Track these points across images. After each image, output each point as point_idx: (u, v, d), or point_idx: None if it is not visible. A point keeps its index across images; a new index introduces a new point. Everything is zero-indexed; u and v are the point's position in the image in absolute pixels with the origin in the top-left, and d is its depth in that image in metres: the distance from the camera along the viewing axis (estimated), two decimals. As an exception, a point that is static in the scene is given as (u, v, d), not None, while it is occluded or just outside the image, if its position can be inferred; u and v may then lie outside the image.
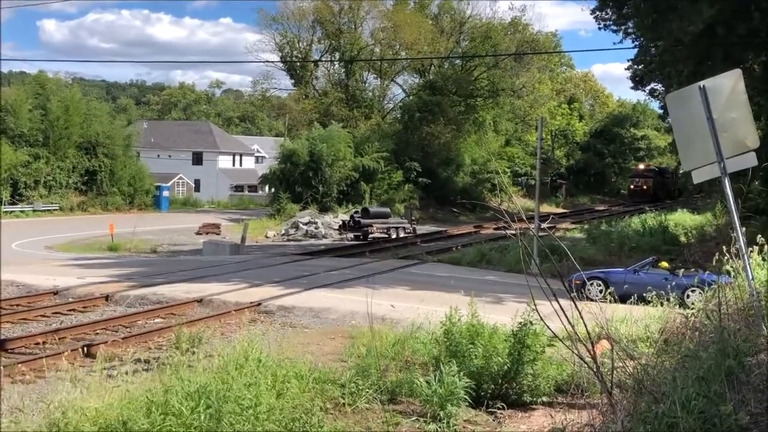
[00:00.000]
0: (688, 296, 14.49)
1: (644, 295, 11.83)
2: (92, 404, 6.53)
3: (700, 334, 7.03)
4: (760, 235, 8.26)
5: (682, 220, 37.63)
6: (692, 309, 9.06)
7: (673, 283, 12.70)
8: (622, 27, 28.24)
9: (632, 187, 75.33)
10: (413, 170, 54.59)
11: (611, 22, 28.53)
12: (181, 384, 6.99)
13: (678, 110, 9.08)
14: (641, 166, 78.66)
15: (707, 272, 13.07)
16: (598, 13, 28.53)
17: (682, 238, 31.13)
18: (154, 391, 6.92)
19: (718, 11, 19.74)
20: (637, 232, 31.73)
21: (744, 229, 8.27)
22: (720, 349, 5.56)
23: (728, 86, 8.57)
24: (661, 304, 11.13)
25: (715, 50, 21.02)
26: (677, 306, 10.69)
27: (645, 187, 73.38)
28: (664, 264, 17.97)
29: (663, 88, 28.10)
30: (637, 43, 28.41)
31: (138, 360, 9.98)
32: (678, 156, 9.89)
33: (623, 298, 12.48)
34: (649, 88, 31.07)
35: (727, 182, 8.32)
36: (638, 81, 30.18)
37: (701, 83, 8.61)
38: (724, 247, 8.09)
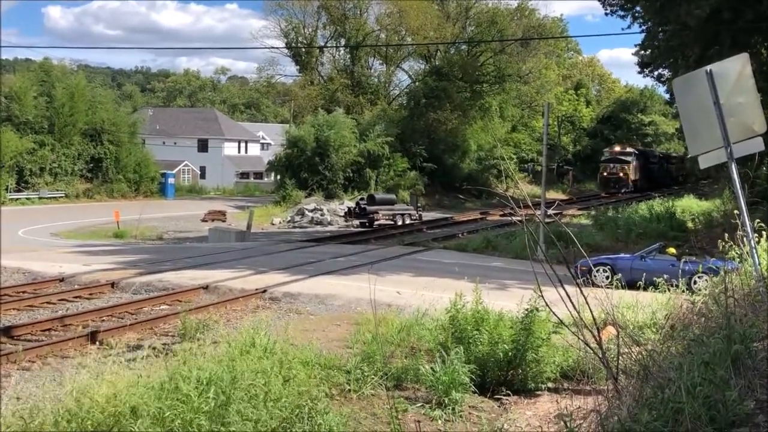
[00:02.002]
0: (695, 282, 14.43)
1: (652, 280, 11.80)
2: (103, 391, 6.55)
3: (707, 319, 7.00)
4: (758, 221, 8.21)
5: (689, 206, 37.54)
6: (699, 295, 9.03)
7: (680, 269, 12.64)
8: (630, 12, 28.08)
9: (605, 174, 62.01)
10: (419, 156, 54.49)
11: (618, 7, 28.38)
12: (190, 370, 7.01)
13: (685, 95, 9.02)
14: (617, 148, 64.38)
15: (714, 258, 13.03)
16: (604, -3, 28.40)
17: (690, 224, 31.03)
18: (163, 378, 6.95)
19: (727, -6, 19.64)
20: (644, 218, 31.62)
21: (751, 214, 8.23)
22: (726, 334, 5.53)
23: (735, 71, 8.51)
24: (668, 290, 11.11)
25: (722, 35, 20.89)
26: (684, 292, 10.67)
27: (621, 174, 60.47)
28: (672, 250, 17.91)
29: (670, 74, 27.93)
30: (644, 28, 28.26)
31: (144, 346, 9.99)
32: (685, 141, 9.84)
33: (630, 285, 12.45)
34: (656, 73, 30.88)
35: (734, 167, 8.27)
36: (645, 66, 30.02)
37: (708, 68, 8.54)
38: (727, 234, 8.05)
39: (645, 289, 11.69)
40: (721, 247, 8.10)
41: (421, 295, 12.90)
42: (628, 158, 61.71)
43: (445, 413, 7.83)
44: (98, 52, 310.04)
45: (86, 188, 55.19)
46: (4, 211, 42.38)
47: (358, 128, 51.60)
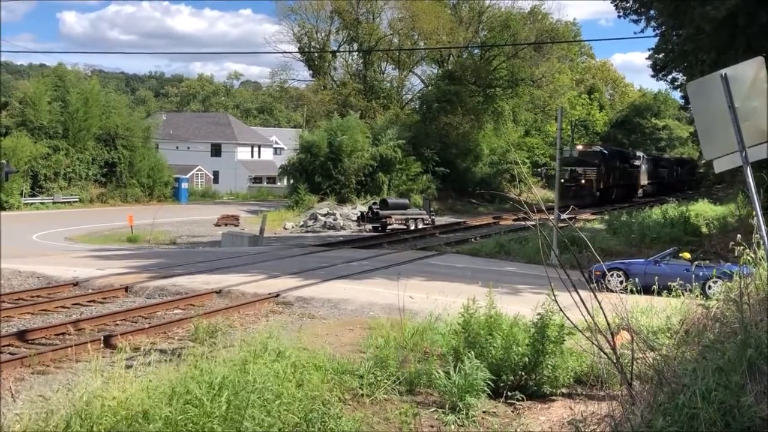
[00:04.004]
0: (709, 287, 14.34)
1: (666, 285, 11.72)
2: (114, 394, 6.57)
3: (721, 325, 6.95)
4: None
5: (704, 210, 37.34)
6: (713, 300, 8.97)
7: (695, 274, 12.55)
8: (643, 15, 27.97)
9: (562, 180, 49.79)
10: (431, 160, 54.44)
11: (632, 11, 28.27)
12: (202, 374, 7.02)
13: (699, 99, 8.96)
14: (579, 147, 52.40)
15: (729, 263, 12.94)
16: (618, 1, 28.28)
17: (704, 229, 30.90)
18: (175, 381, 6.96)
19: (743, -1, 19.51)
20: (658, 222, 31.48)
21: (766, 218, 8.16)
22: (742, 339, 5.49)
23: (750, 74, 8.44)
24: (682, 295, 11.04)
25: (737, 39, 20.76)
26: (698, 297, 10.60)
27: (584, 181, 49.64)
28: (686, 255, 17.81)
29: (684, 78, 27.80)
30: (658, 31, 28.14)
31: (157, 350, 10.01)
32: (699, 146, 9.79)
33: (644, 289, 12.38)
34: (670, 77, 30.76)
35: (748, 171, 8.21)
36: (659, 70, 29.89)
37: (723, 71, 8.49)
38: (740, 237, 7.98)
39: (659, 294, 11.62)
40: (735, 252, 8.03)
41: (433, 299, 12.87)
42: (594, 161, 50.77)
43: (458, 418, 7.81)
44: (112, 57, 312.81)
45: (100, 193, 55.50)
46: (18, 215, 42.74)
47: (371, 132, 51.66)
